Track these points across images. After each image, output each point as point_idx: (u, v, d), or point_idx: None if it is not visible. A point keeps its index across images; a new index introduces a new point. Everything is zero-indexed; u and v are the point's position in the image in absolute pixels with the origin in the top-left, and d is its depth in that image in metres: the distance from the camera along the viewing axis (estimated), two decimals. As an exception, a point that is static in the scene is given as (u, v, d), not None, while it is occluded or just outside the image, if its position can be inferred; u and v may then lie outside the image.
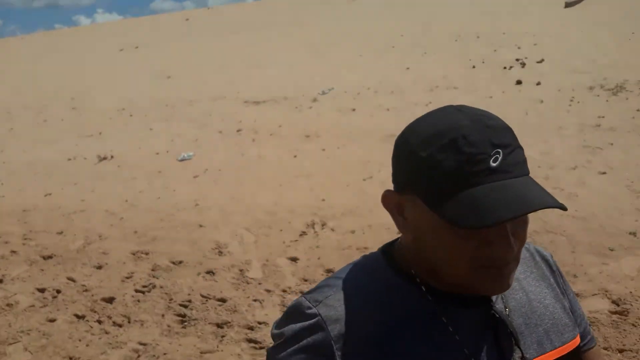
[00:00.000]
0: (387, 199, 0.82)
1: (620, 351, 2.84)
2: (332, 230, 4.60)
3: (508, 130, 0.74)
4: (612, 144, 5.62)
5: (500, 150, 0.71)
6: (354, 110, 8.28)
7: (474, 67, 10.04)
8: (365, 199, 5.10)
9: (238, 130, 7.73)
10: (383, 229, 4.47)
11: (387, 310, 0.81)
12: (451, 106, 0.79)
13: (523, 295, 0.89)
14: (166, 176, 6.36)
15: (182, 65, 13.88)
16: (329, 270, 3.97)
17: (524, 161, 0.74)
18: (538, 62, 9.61)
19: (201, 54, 15.85)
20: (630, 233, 3.89)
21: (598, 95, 7.37)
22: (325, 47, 14.70)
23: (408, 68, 10.75)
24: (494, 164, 0.70)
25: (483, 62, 10.27)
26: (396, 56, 12.14)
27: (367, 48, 13.53)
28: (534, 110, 7.13)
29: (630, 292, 3.24)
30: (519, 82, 8.55)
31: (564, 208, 0.68)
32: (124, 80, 12.52)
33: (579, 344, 0.93)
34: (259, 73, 11.45)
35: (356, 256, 4.10)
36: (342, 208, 4.97)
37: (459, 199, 0.70)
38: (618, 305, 3.15)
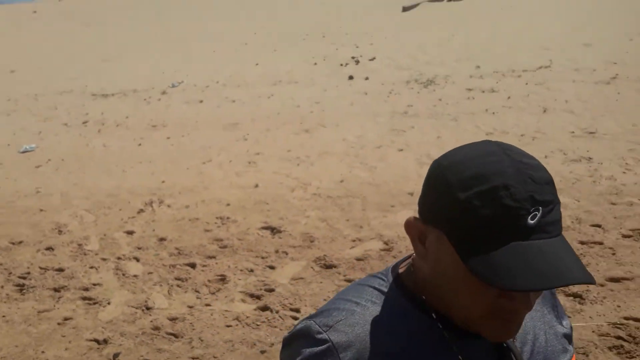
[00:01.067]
0: (410, 226, 0.80)
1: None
2: (169, 206, 5.11)
3: (550, 184, 0.71)
4: (413, 127, 6.74)
5: (540, 208, 0.68)
6: (201, 102, 8.79)
7: (315, 63, 11.01)
8: (202, 179, 5.67)
9: (84, 122, 7.89)
10: (214, 203, 5.08)
11: (398, 338, 0.81)
12: (493, 143, 0.75)
13: (529, 321, 0.89)
14: (6, 167, 6.41)
15: (28, 59, 13.36)
16: (162, 239, 4.49)
17: (560, 219, 0.72)
18: (370, 60, 10.81)
19: (48, 47, 15.28)
20: (409, 193, 4.88)
21: (412, 88, 8.60)
22: (179, 42, 14.96)
23: (257, 64, 11.47)
24: (532, 222, 0.68)
25: (324, 60, 11.28)
26: (248, 52, 12.81)
27: (221, 44, 14.06)
28: (358, 101, 8.17)
29: (398, 234, 4.17)
30: (351, 78, 9.62)
31: (592, 282, 0.67)
32: (-41, 74, 11.82)
33: None
34: (109, 66, 11.49)
35: (187, 226, 4.71)
36: (180, 187, 5.49)
37: (490, 254, 0.68)
38: (387, 244, 4.05)
